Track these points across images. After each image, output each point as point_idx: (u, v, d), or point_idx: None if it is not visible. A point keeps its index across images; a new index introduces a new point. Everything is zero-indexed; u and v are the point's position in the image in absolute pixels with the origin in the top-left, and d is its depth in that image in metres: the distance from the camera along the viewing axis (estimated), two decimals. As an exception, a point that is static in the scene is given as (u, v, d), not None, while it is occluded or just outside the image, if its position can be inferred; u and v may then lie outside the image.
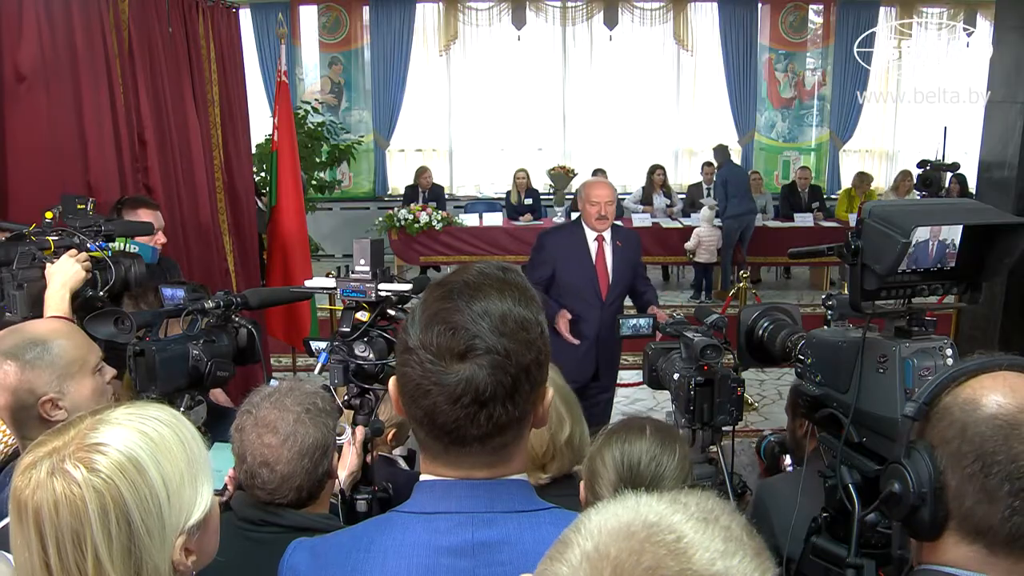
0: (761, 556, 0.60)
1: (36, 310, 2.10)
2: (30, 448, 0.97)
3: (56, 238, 2.21)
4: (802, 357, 1.51)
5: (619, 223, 8.81)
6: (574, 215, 4.90)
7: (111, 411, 0.99)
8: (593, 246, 3.80)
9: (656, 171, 9.06)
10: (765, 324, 1.69)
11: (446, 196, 9.36)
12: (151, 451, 0.96)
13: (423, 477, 0.98)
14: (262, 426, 1.48)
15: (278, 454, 1.46)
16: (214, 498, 1.04)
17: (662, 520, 0.60)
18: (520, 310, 0.91)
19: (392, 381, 0.96)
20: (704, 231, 8.05)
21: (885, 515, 1.39)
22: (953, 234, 1.22)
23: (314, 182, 8.90)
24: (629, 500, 0.64)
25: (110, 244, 2.34)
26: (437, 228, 8.11)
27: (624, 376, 5.87)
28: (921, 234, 1.18)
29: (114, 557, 0.91)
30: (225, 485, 1.65)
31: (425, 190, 8.92)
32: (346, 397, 1.75)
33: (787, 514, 1.81)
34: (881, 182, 10.93)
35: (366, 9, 10.32)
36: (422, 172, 9.03)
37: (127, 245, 2.73)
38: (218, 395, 2.55)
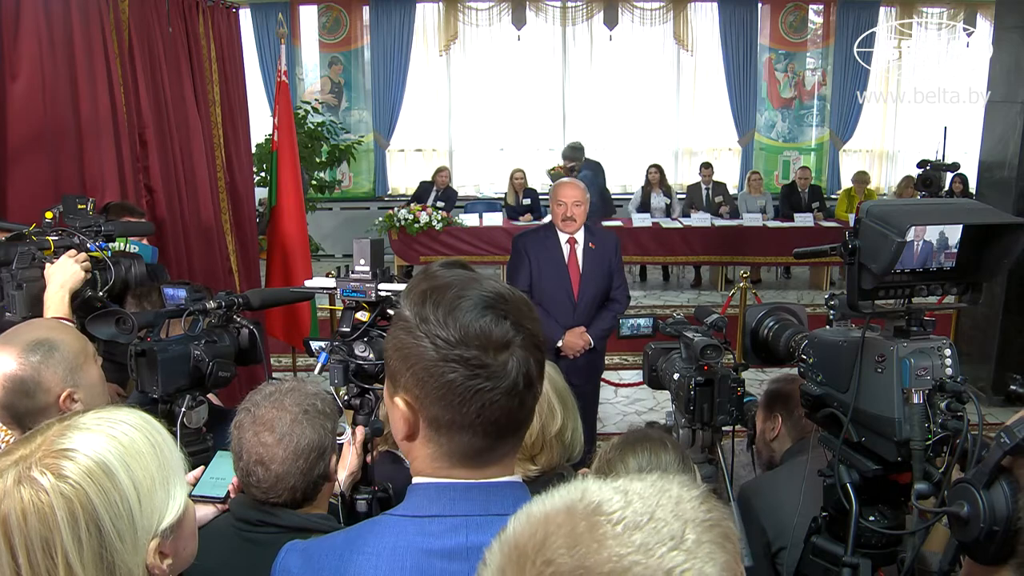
0: (698, 551, 0.57)
1: (36, 310, 2.10)
2: None
3: (56, 238, 2.21)
4: (804, 357, 1.51)
5: (619, 223, 8.76)
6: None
7: (80, 417, 0.99)
8: (566, 248, 3.80)
9: (652, 169, 9.06)
10: (770, 324, 1.69)
11: (446, 196, 9.38)
12: (120, 455, 0.95)
13: (416, 480, 0.97)
14: (259, 424, 1.48)
15: (273, 453, 1.46)
16: (188, 500, 1.03)
17: (587, 508, 0.59)
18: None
19: (398, 401, 0.93)
20: None
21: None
22: (951, 234, 1.22)
23: (314, 182, 8.91)
24: (573, 484, 0.63)
25: (110, 244, 2.34)
26: (437, 228, 8.11)
27: (624, 376, 5.88)
28: (907, 234, 1.17)
29: (85, 563, 0.90)
30: (228, 493, 1.64)
31: (440, 188, 8.93)
32: (346, 397, 1.75)
33: (772, 511, 1.82)
34: (881, 182, 10.93)
35: (366, 9, 10.31)
36: (440, 171, 9.07)
37: (127, 245, 2.73)
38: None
